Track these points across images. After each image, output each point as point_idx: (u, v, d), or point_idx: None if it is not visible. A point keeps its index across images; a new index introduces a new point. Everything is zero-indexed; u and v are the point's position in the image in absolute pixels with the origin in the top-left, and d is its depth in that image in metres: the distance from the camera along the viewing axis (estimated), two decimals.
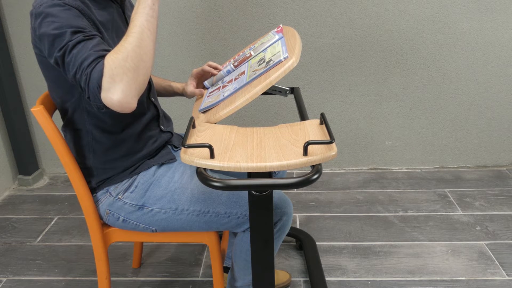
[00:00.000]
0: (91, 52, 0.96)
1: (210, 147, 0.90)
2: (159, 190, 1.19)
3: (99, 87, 0.93)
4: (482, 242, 1.81)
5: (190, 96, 1.37)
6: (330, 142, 0.91)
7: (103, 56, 0.96)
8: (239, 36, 2.17)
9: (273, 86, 1.28)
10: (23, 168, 2.37)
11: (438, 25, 2.12)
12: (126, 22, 1.20)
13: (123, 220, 1.21)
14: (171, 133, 1.36)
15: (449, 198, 2.14)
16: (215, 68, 1.34)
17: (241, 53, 1.36)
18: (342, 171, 2.44)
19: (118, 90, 0.93)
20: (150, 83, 1.29)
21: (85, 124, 1.15)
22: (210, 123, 1.09)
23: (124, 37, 0.98)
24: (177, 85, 1.44)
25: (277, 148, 0.94)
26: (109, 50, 0.99)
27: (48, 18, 0.99)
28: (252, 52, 1.28)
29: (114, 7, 1.16)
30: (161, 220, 1.19)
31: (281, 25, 1.36)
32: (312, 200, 2.17)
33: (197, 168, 0.91)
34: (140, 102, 1.21)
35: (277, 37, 1.25)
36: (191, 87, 1.36)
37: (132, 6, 1.31)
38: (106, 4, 1.13)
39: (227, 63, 1.38)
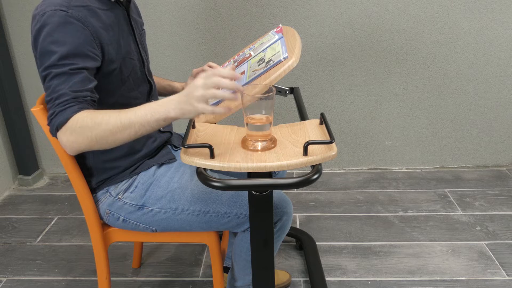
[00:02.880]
0: (69, 91, 0.97)
1: (210, 147, 0.90)
2: (159, 190, 1.19)
3: (57, 129, 0.97)
4: (482, 242, 1.81)
5: None
6: (330, 142, 0.91)
7: (77, 99, 0.97)
8: (239, 36, 2.17)
9: None
10: (23, 168, 2.37)
11: (438, 25, 2.12)
12: (130, 25, 1.20)
13: (123, 220, 1.21)
14: (171, 132, 1.36)
15: (449, 198, 2.14)
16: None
17: (240, 53, 1.36)
18: (342, 171, 2.44)
19: (64, 139, 0.97)
20: (151, 84, 1.29)
21: None
22: (210, 123, 1.09)
23: (113, 114, 0.95)
24: (176, 85, 1.44)
25: (277, 148, 0.94)
26: (88, 90, 1.00)
27: (46, 28, 0.99)
28: (251, 52, 1.28)
29: (120, 9, 1.16)
30: (161, 220, 1.19)
31: (280, 25, 1.36)
32: (312, 200, 2.17)
33: (197, 168, 0.91)
34: (139, 104, 1.21)
35: (276, 37, 1.25)
36: None
37: (136, 8, 1.31)
38: (112, 6, 1.13)
39: (227, 63, 1.38)
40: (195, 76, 1.37)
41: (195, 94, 0.89)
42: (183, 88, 1.39)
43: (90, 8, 1.06)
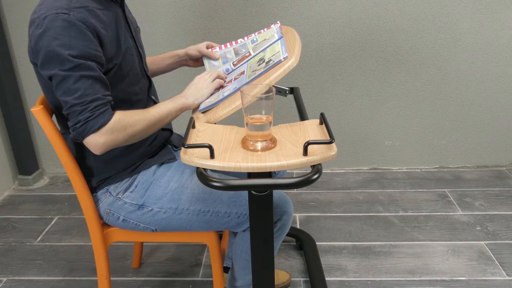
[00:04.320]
0: (101, 95, 1.04)
1: (210, 147, 0.90)
2: (159, 189, 1.19)
3: (97, 129, 1.02)
4: (482, 242, 1.81)
5: (194, 54, 1.40)
6: (330, 142, 0.91)
7: (109, 102, 1.06)
8: (239, 36, 2.17)
9: None
10: (23, 168, 2.37)
11: (438, 25, 2.12)
12: (126, 22, 1.21)
13: (123, 219, 1.21)
14: (171, 131, 1.36)
15: (449, 198, 2.14)
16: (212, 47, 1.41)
17: (238, 41, 1.36)
18: (342, 171, 2.44)
19: (102, 140, 1.04)
20: (150, 80, 1.29)
21: None
22: (210, 123, 1.09)
23: (145, 111, 1.11)
24: (179, 52, 1.45)
25: (277, 148, 0.94)
26: (109, 95, 1.07)
27: (50, 32, 0.99)
28: (251, 52, 1.28)
29: (115, 7, 1.17)
30: (161, 220, 1.19)
31: (279, 22, 1.36)
32: (312, 200, 2.17)
33: (197, 168, 0.91)
34: (140, 99, 1.21)
35: (276, 36, 1.25)
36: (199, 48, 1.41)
37: (127, 7, 1.32)
38: (108, 5, 1.14)
39: (223, 48, 1.37)
40: (207, 46, 1.40)
41: (205, 81, 1.19)
42: (185, 53, 1.43)
43: (89, 9, 1.06)
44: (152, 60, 1.46)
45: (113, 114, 1.05)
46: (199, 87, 1.19)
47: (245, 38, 1.37)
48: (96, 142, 1.03)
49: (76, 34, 1.01)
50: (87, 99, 1.01)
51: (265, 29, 1.35)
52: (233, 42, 1.37)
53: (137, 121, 1.08)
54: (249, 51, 1.28)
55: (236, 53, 1.34)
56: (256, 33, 1.35)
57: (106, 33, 1.08)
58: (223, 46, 1.39)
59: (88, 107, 1.01)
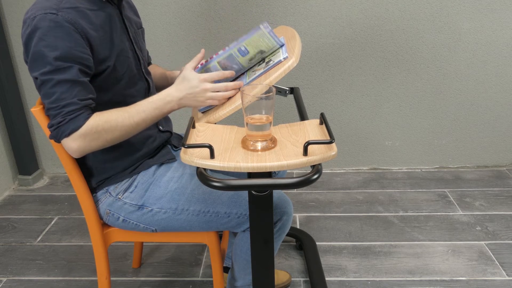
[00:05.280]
0: (76, 100, 1.02)
1: (210, 147, 0.90)
2: (159, 190, 1.19)
3: (68, 134, 1.02)
4: (482, 242, 1.81)
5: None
6: (330, 142, 0.91)
7: (86, 106, 1.04)
8: (239, 36, 2.17)
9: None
10: (23, 168, 2.37)
11: (438, 25, 2.12)
12: (123, 23, 1.20)
13: (123, 220, 1.21)
14: (170, 132, 1.36)
15: (449, 198, 2.14)
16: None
17: (219, 53, 1.18)
18: (342, 171, 2.44)
19: (75, 145, 1.03)
20: (149, 82, 1.28)
21: None
22: (210, 123, 1.09)
23: (125, 115, 1.06)
24: (170, 74, 1.39)
25: (277, 148, 0.94)
26: (92, 97, 1.05)
27: (37, 32, 1.00)
28: (245, 65, 1.18)
29: (111, 8, 1.16)
30: (161, 220, 1.19)
31: (266, 23, 1.19)
32: (312, 200, 2.17)
33: (197, 168, 0.91)
34: (136, 102, 1.21)
35: (277, 45, 1.13)
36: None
37: (132, 7, 1.31)
38: (102, 5, 1.13)
39: (214, 56, 1.26)
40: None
41: (205, 95, 1.08)
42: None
43: (80, 10, 1.05)
44: (167, 74, 1.40)
45: (87, 119, 1.03)
46: (198, 98, 1.08)
47: (227, 48, 1.14)
48: (69, 146, 1.04)
49: (62, 35, 1.01)
50: (61, 104, 1.01)
51: (252, 32, 1.11)
52: (220, 51, 1.17)
53: (115, 127, 1.05)
54: (247, 67, 1.16)
55: (225, 69, 1.15)
56: (242, 41, 1.12)
57: (96, 35, 1.07)
58: (214, 55, 1.20)
59: (61, 112, 1.02)
